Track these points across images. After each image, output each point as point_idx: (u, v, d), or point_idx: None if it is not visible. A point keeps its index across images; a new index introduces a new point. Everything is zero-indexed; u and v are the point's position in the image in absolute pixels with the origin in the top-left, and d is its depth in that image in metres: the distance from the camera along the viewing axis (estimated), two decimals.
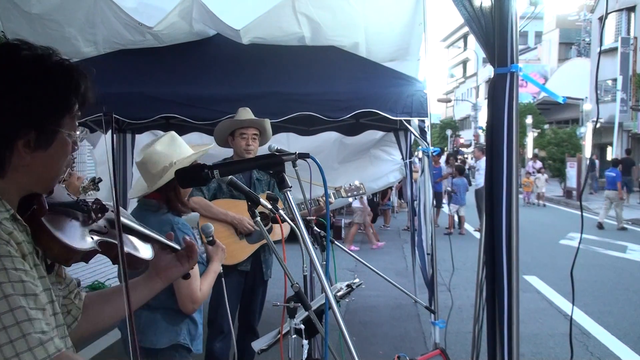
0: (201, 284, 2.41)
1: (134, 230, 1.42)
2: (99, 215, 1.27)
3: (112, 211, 1.28)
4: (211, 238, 2.47)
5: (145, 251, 1.42)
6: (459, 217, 13.23)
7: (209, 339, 3.80)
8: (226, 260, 3.41)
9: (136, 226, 1.44)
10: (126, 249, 1.27)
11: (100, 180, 3.37)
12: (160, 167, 2.41)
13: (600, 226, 13.67)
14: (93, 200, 1.28)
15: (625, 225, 14.05)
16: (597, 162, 24.30)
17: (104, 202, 1.29)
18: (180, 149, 2.50)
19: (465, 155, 21.61)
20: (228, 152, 4.01)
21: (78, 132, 1.21)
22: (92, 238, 1.22)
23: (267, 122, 3.86)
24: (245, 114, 3.76)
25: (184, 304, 2.39)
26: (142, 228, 1.46)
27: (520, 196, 19.04)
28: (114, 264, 1.27)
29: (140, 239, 1.44)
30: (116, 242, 1.24)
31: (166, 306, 2.43)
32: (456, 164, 14.31)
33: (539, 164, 22.60)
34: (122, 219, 1.36)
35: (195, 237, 2.58)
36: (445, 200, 13.66)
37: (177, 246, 1.51)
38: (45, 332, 1.01)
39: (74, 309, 1.36)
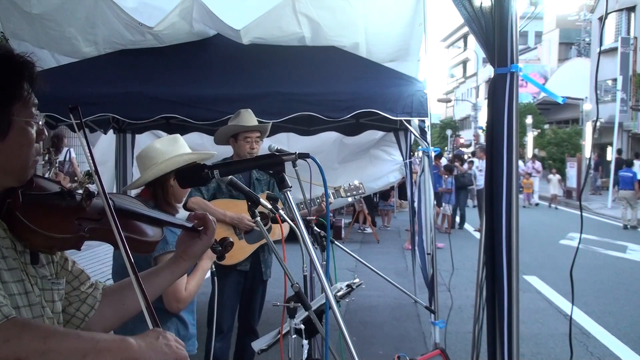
0: (188, 283, 2.40)
1: (138, 215, 1.44)
2: (88, 202, 1.28)
3: (99, 197, 1.30)
4: None
5: (151, 234, 1.44)
6: (446, 217, 13.26)
7: (208, 338, 3.80)
8: (225, 260, 3.43)
9: (142, 211, 1.46)
10: (125, 233, 1.28)
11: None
12: (152, 163, 2.45)
13: (626, 227, 13.95)
14: (82, 189, 1.30)
15: (636, 225, 14.10)
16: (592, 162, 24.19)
17: (91, 189, 1.30)
18: (178, 149, 2.52)
19: (469, 156, 21.24)
20: (228, 152, 4.01)
21: (40, 121, 1.21)
22: (80, 225, 1.24)
23: (266, 125, 3.87)
24: (249, 116, 3.75)
25: (168, 303, 2.38)
26: (147, 212, 1.48)
27: (520, 196, 18.85)
28: (115, 249, 1.28)
29: (147, 223, 1.45)
30: (110, 227, 1.25)
31: (153, 305, 2.41)
32: (444, 164, 14.25)
33: (538, 165, 22.17)
34: (124, 204, 1.38)
35: None
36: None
37: (185, 224, 1.52)
38: None
39: (89, 297, 1.39)
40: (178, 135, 2.63)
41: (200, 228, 1.51)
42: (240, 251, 3.74)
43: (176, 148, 2.51)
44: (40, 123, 1.21)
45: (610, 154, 24.22)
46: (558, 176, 20.88)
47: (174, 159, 2.44)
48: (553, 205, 19.73)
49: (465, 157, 19.15)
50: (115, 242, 1.28)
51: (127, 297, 1.43)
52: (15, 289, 1.14)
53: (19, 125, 1.16)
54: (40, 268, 1.25)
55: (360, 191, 4.04)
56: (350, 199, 4.15)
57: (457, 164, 14.69)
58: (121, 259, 1.24)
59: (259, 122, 3.85)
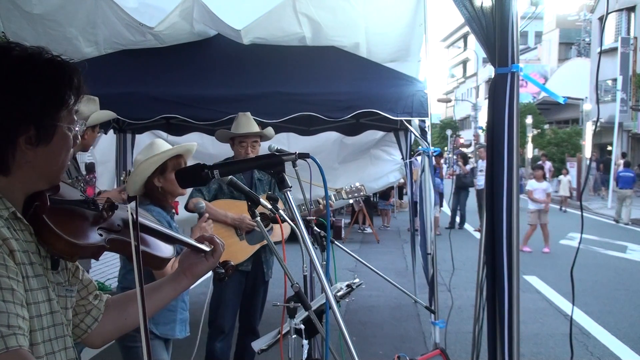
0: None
1: (154, 231, 1.44)
2: (109, 213, 1.28)
3: (127, 211, 1.31)
4: (202, 211, 2.68)
5: (165, 250, 1.44)
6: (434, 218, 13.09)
7: (209, 339, 3.80)
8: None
9: (157, 227, 1.47)
10: (142, 248, 1.29)
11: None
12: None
13: (617, 221, 14.90)
14: (105, 198, 1.30)
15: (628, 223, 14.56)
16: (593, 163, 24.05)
17: (115, 201, 1.30)
18: (152, 153, 2.62)
19: (470, 156, 20.95)
20: (229, 152, 4.01)
21: (77, 127, 1.23)
22: (101, 235, 1.24)
23: (267, 130, 3.86)
24: (245, 121, 3.75)
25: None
26: (163, 229, 1.49)
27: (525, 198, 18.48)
28: (130, 262, 1.28)
29: (161, 239, 1.46)
30: (129, 240, 1.26)
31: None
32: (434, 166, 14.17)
33: (548, 165, 20.88)
34: (140, 219, 1.38)
35: (176, 229, 2.68)
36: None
37: (202, 246, 1.52)
38: (11, 327, 1.01)
39: (93, 309, 1.39)
40: (155, 140, 2.75)
41: (208, 249, 1.52)
42: (242, 252, 3.74)
43: (148, 154, 2.61)
44: (77, 129, 1.22)
45: (611, 154, 24.20)
46: (569, 177, 19.71)
47: (139, 167, 2.57)
48: (563, 208, 18.54)
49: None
50: (128, 255, 1.28)
51: (129, 314, 1.43)
52: (40, 296, 1.14)
53: (62, 131, 1.17)
54: (56, 274, 1.24)
55: (361, 193, 4.04)
56: (351, 200, 4.16)
57: (460, 163, 14.66)
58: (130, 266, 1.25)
59: (259, 123, 3.84)
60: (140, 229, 1.31)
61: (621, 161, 18.41)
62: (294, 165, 2.37)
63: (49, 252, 1.19)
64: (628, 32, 25.90)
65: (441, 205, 13.87)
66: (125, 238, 1.29)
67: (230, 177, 1.96)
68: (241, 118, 3.76)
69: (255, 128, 3.78)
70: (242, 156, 3.74)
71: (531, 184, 11.09)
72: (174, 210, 2.75)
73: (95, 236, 1.23)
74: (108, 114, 3.53)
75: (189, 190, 3.47)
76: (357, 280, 2.96)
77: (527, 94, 33.24)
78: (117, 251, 1.30)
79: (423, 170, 4.73)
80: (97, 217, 1.27)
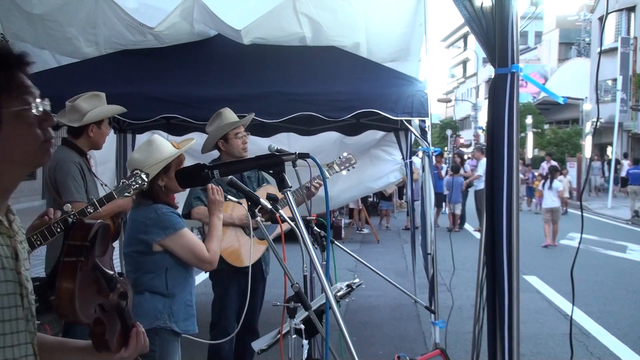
0: (208, 245, 2.60)
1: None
2: (116, 297, 1.26)
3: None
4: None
5: None
6: (454, 216, 13.24)
7: (214, 340, 3.79)
8: (245, 262, 3.48)
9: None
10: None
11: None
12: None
13: (636, 214, 15.89)
14: (123, 281, 1.29)
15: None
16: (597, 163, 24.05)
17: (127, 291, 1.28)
18: (154, 153, 2.62)
19: (468, 156, 20.89)
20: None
21: (41, 107, 1.14)
22: (95, 311, 1.21)
23: (248, 117, 3.86)
24: (232, 114, 3.74)
25: (201, 268, 2.68)
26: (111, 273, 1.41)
27: (531, 200, 18.46)
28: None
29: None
30: (105, 324, 1.22)
31: (150, 288, 2.54)
32: (451, 165, 14.34)
33: (555, 165, 20.73)
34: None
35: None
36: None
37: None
38: None
39: None
40: (153, 138, 2.74)
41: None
42: (256, 249, 3.72)
43: (150, 154, 2.62)
44: (40, 109, 1.14)
45: (611, 154, 24.21)
46: (569, 177, 18.84)
47: (151, 168, 2.58)
48: (563, 208, 16.59)
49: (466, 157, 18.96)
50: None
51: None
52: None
53: (10, 116, 1.10)
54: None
55: (352, 162, 4.05)
56: (344, 172, 4.13)
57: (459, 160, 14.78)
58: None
59: (259, 122, 3.84)
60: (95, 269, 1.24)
61: (624, 161, 19.04)
62: (294, 165, 2.38)
63: (52, 301, 1.14)
64: (628, 32, 25.89)
65: (440, 206, 13.93)
66: (106, 320, 1.23)
67: (230, 177, 1.96)
68: (226, 113, 3.70)
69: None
70: (240, 147, 3.72)
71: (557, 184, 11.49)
72: (177, 205, 2.78)
73: (90, 311, 1.19)
74: (112, 109, 3.47)
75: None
76: (357, 280, 2.97)
77: (527, 94, 33.24)
78: (90, 327, 1.23)
79: (424, 171, 4.73)
80: (105, 293, 1.24)
